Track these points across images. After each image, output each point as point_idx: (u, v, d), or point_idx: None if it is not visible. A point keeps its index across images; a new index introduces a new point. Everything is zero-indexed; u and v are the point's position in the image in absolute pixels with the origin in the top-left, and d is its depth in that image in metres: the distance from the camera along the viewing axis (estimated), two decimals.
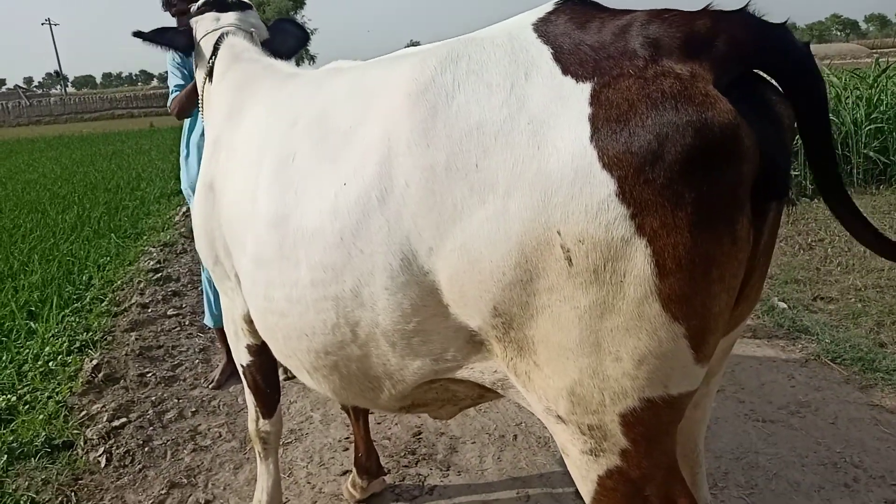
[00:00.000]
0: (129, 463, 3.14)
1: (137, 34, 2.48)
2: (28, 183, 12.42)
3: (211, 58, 2.43)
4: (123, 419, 3.47)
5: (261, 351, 2.24)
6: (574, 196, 1.10)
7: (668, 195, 1.05)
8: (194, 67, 2.66)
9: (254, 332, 2.15)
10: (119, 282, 5.88)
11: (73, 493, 2.91)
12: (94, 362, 4.02)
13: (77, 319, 4.94)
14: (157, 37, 2.51)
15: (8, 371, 4.01)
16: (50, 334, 4.57)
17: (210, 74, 2.44)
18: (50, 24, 66.62)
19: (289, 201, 1.62)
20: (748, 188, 1.10)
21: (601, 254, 1.09)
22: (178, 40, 2.57)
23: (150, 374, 4.01)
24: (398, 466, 3.00)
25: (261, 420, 2.44)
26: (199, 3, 2.64)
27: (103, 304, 5.27)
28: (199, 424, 3.49)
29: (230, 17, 2.54)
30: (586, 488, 1.32)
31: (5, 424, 3.42)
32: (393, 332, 1.45)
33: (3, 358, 4.18)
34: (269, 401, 2.41)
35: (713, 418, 3.14)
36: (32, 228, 7.97)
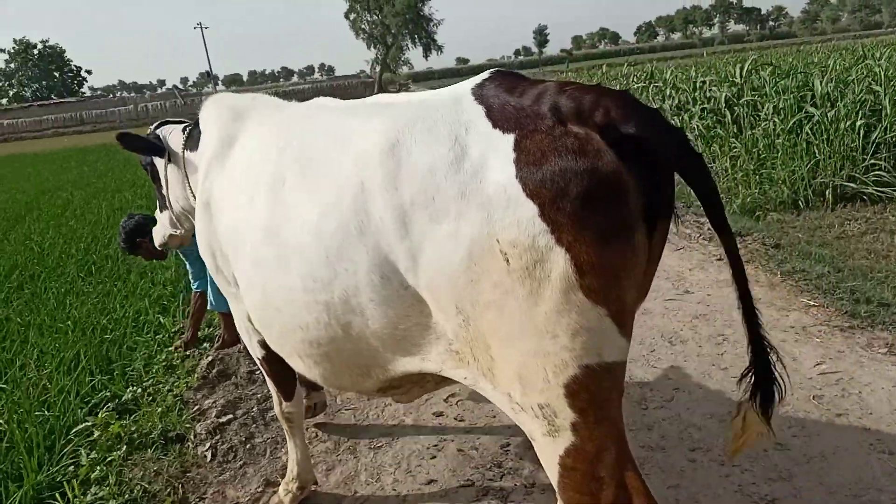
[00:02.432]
0: (231, 458, 3.32)
1: (121, 138, 2.93)
2: None
3: (187, 141, 2.85)
4: (230, 415, 3.67)
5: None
6: (507, 214, 1.46)
7: (574, 219, 1.41)
8: (162, 172, 3.04)
9: None
10: None
11: (180, 486, 3.11)
12: (210, 358, 4.28)
13: None
14: (133, 143, 2.94)
15: (138, 364, 4.37)
16: (175, 330, 4.93)
17: (189, 142, 2.85)
18: (201, 27, 71.68)
19: (277, 218, 1.94)
20: (639, 213, 1.46)
21: (530, 256, 1.44)
22: (155, 147, 2.97)
23: (258, 372, 4.20)
24: (482, 479, 2.96)
25: (283, 403, 2.82)
26: (152, 127, 3.13)
27: None
28: None
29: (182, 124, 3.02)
30: (553, 472, 1.59)
31: (130, 414, 3.73)
32: (382, 334, 1.77)
33: (134, 352, 4.55)
34: (287, 386, 2.79)
35: (831, 447, 2.85)
36: None
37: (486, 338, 1.55)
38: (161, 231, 3.38)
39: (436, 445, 3.26)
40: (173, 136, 2.99)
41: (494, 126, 1.53)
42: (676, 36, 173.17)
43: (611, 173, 1.41)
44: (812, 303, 4.35)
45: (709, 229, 6.28)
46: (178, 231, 3.24)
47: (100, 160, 20.66)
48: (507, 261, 1.45)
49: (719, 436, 3.07)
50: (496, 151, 1.50)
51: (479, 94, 1.64)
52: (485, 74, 1.72)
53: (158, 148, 2.98)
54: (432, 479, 3.00)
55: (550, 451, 1.55)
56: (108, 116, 52.55)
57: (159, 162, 3.04)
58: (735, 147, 8.50)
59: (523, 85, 1.60)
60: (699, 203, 1.57)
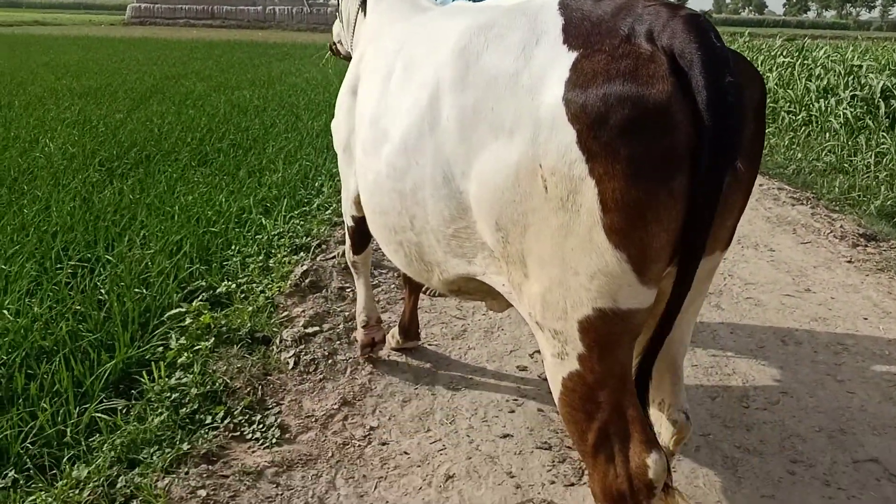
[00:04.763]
0: (312, 370, 3.32)
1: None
2: (293, 87, 13.64)
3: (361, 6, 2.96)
4: (316, 328, 3.66)
5: (361, 221, 2.81)
6: (550, 138, 1.39)
7: (610, 150, 1.31)
8: (341, 12, 3.34)
9: (359, 207, 2.77)
10: None
11: (260, 387, 3.13)
12: (304, 268, 4.29)
13: (301, 223, 5.32)
14: None
15: (235, 260, 4.44)
16: (275, 233, 4.97)
17: (363, 8, 2.97)
18: None
19: (381, 107, 2.08)
20: (685, 153, 1.32)
21: (566, 186, 1.38)
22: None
23: (349, 289, 4.18)
24: (560, 445, 2.83)
25: (351, 254, 3.23)
26: None
27: (326, 213, 5.62)
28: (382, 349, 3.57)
29: None
30: (555, 388, 1.65)
31: (221, 308, 3.79)
32: (437, 231, 1.83)
33: (233, 248, 4.62)
34: (360, 244, 3.15)
35: None
36: (285, 130, 8.74)
37: (521, 256, 1.56)
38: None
39: (515, 400, 3.15)
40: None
41: (564, 41, 1.45)
42: (830, 14, 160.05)
43: (657, 104, 1.29)
44: None
45: (841, 226, 5.76)
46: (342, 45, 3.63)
47: (224, 55, 21.20)
48: (546, 188, 1.42)
49: (826, 453, 2.81)
50: (555, 69, 1.42)
51: (564, 3, 1.55)
52: None
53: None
54: (508, 434, 2.90)
55: (555, 371, 1.62)
56: (237, 14, 53.76)
57: None
58: (884, 143, 7.74)
59: None
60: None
